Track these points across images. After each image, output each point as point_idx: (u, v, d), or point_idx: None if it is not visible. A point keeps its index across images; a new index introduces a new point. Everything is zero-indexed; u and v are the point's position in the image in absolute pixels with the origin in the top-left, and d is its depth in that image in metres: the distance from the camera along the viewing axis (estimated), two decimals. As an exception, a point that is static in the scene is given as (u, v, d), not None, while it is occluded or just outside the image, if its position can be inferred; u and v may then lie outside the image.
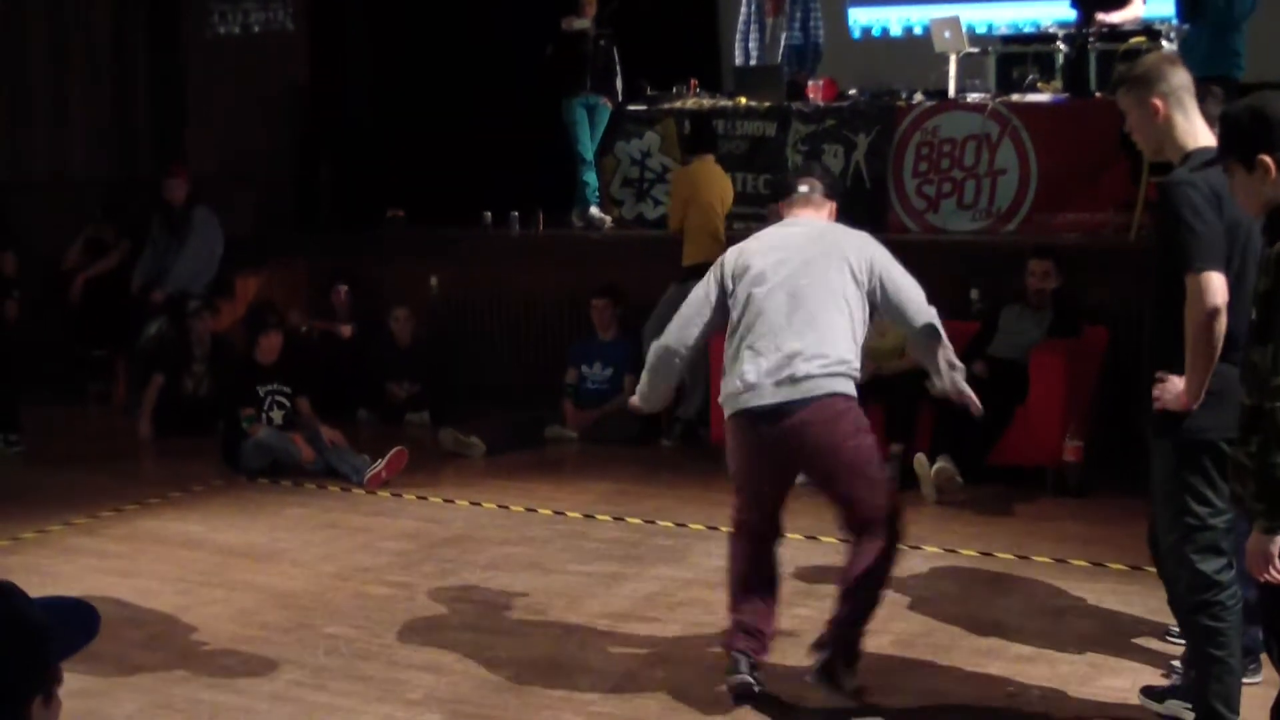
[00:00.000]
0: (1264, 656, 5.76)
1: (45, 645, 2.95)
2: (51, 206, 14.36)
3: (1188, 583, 5.61)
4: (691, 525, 9.49)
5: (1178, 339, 5.42)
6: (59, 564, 8.83)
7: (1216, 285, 5.30)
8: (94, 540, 9.41)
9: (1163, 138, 5.68)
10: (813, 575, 8.22)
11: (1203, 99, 5.89)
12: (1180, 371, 5.44)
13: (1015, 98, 12.54)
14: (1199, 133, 5.63)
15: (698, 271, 11.71)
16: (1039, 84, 12.58)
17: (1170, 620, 6.56)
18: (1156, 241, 5.71)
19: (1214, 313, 5.30)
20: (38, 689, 2.93)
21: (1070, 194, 11.92)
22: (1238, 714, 5.60)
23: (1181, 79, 5.68)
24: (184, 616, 7.84)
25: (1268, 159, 4.77)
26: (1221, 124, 5.07)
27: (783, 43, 13.92)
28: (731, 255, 6.73)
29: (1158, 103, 5.61)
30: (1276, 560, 4.67)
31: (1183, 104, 5.64)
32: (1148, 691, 6.22)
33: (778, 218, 6.99)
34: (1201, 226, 5.33)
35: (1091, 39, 12.33)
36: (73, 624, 3.05)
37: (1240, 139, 4.88)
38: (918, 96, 13.06)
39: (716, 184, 12.11)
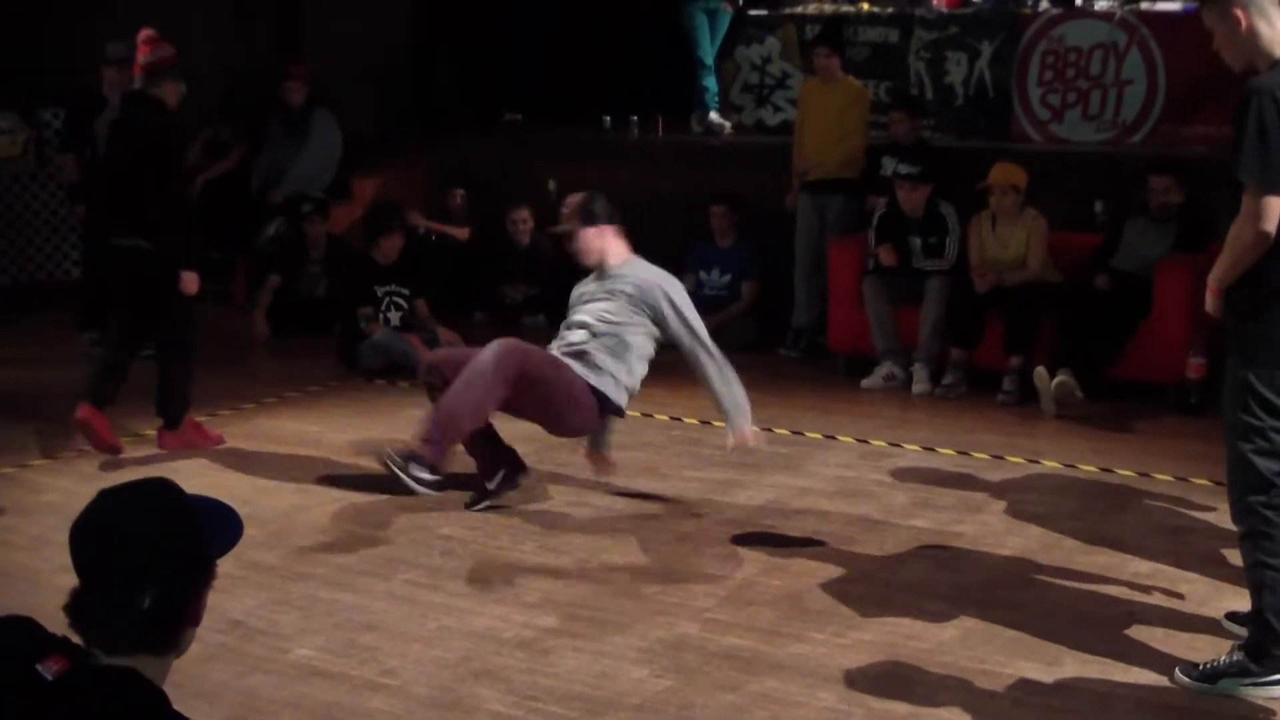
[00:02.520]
0: None
1: (209, 541, 3.05)
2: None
3: (1244, 483, 5.52)
4: (808, 433, 9.47)
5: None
6: (178, 461, 8.90)
7: (1274, 211, 5.26)
8: (213, 437, 9.51)
9: (1249, 49, 5.49)
10: (931, 484, 8.23)
11: None
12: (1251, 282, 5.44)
13: (1144, 5, 12.32)
14: None
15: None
16: (1170, -9, 12.35)
17: None
18: (1232, 148, 5.50)
19: (1264, 238, 5.29)
20: (207, 581, 3.03)
21: (1199, 105, 11.68)
22: None
23: None
24: (302, 515, 7.91)
25: None
26: None
27: (909, -54, 13.73)
28: None
29: (1239, 14, 5.43)
30: None
31: (1265, 13, 5.45)
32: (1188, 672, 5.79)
33: None
34: (1275, 144, 5.25)
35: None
36: (223, 522, 3.12)
37: None
38: (1044, 4, 12.84)
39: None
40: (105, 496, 3.01)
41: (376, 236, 11.71)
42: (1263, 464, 5.46)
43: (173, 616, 2.98)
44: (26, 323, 13.04)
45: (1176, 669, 5.72)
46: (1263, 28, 5.43)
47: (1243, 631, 5.91)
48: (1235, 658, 5.63)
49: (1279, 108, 5.25)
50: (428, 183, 14.36)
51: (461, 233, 13.52)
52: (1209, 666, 5.66)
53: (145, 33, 9.09)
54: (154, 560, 2.93)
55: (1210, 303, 5.58)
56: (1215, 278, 5.52)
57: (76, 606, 2.96)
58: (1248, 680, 5.57)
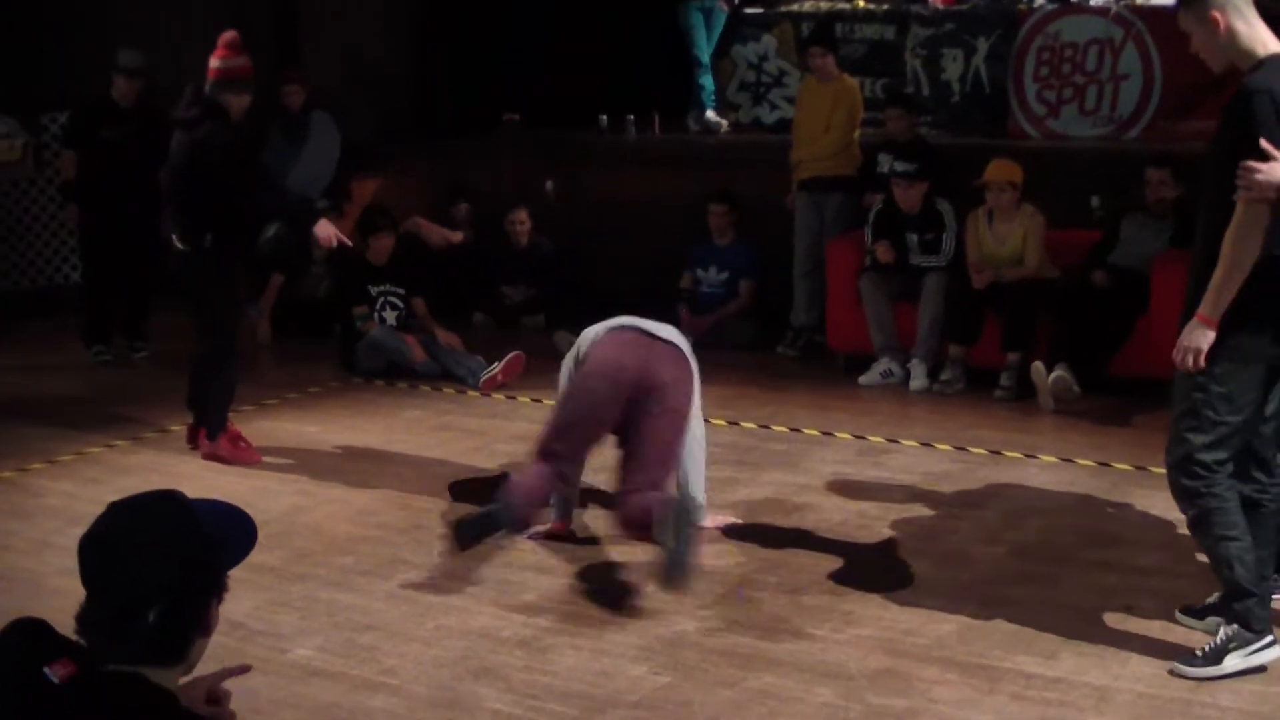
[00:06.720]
0: None
1: (220, 552, 3.06)
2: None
3: (1189, 471, 5.59)
4: (806, 430, 9.48)
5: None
6: (178, 464, 8.94)
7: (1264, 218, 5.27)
8: (213, 440, 9.51)
9: (1229, 50, 5.48)
10: (928, 480, 8.23)
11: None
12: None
13: (1140, 1, 12.30)
14: (1266, 39, 5.45)
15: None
16: (1165, -14, 12.35)
17: None
18: (1220, 147, 5.49)
19: (1255, 245, 5.30)
20: (217, 593, 3.04)
21: (1195, 100, 11.66)
22: (1265, 580, 5.74)
23: None
24: (302, 516, 7.93)
25: None
26: None
27: (905, -56, 13.73)
28: None
29: (1217, 15, 5.42)
30: None
31: (1242, 13, 5.44)
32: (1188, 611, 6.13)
33: None
34: (1276, 144, 5.22)
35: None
36: (236, 532, 3.12)
37: None
38: (1039, 0, 12.85)
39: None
40: (112, 510, 3.02)
41: (366, 237, 11.72)
42: (1209, 455, 5.55)
43: (179, 630, 2.97)
44: (26, 328, 13.04)
45: (1176, 663, 5.73)
46: (1241, 28, 5.43)
47: (1196, 624, 6.06)
48: (1231, 631, 5.66)
49: (1274, 105, 5.25)
50: (426, 185, 14.36)
51: (456, 236, 13.45)
52: (1209, 648, 5.69)
53: (227, 35, 9.07)
54: (158, 576, 2.93)
55: (1201, 339, 5.49)
56: (1210, 309, 5.45)
57: (85, 618, 2.97)
58: (1250, 648, 5.64)
